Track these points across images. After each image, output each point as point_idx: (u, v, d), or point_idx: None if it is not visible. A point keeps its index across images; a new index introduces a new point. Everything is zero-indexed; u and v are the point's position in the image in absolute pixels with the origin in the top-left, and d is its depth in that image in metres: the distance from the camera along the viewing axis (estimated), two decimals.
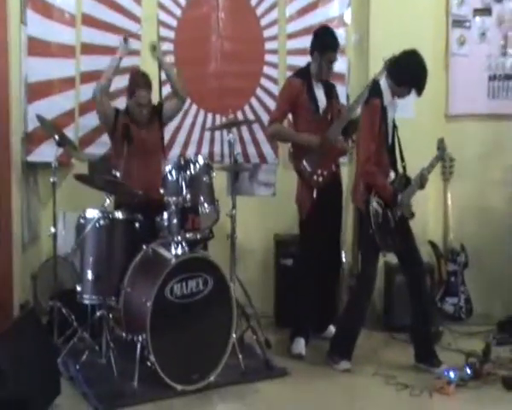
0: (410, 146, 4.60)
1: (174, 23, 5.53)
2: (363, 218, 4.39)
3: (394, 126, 4.48)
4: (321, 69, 4.80)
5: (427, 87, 5.29)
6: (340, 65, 5.22)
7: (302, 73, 4.89)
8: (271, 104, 5.52)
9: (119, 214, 4.32)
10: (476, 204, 5.61)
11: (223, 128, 5.25)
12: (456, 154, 5.38)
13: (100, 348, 4.17)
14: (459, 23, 5.65)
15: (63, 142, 4.52)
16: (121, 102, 4.97)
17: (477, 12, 5.64)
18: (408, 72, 4.34)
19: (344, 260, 5.25)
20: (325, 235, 4.82)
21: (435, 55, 5.54)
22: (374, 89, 4.43)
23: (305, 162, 4.77)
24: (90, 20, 5.33)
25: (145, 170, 4.66)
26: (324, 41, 4.78)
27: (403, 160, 4.47)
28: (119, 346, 4.16)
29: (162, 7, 5.50)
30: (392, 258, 4.80)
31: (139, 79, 4.76)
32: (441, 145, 4.53)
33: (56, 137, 4.47)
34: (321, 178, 4.74)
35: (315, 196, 4.74)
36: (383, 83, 4.40)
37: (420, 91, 4.37)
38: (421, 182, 4.41)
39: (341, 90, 5.39)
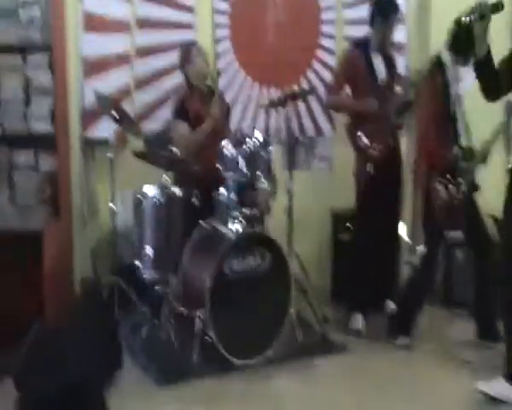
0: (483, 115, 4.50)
1: None
2: (428, 197, 4.42)
3: (459, 99, 4.47)
4: (383, 37, 4.82)
5: None
6: (398, 34, 5.18)
7: (360, 45, 4.91)
8: (328, 77, 5.59)
9: (176, 190, 4.47)
10: None
11: (280, 105, 5.30)
12: None
13: (159, 323, 4.32)
14: None
15: (121, 118, 4.61)
16: (178, 76, 5.14)
17: None
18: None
19: (403, 235, 5.29)
20: (383, 209, 4.86)
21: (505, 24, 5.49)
22: (436, 63, 4.43)
23: (360, 134, 4.81)
24: None
25: (211, 149, 4.66)
26: (385, 6, 4.80)
27: (468, 132, 4.46)
28: (179, 321, 4.30)
29: None
30: (453, 233, 4.85)
31: (186, 43, 5.05)
32: (509, 109, 4.48)
33: (114, 113, 4.57)
34: (377, 152, 4.79)
35: (370, 169, 4.79)
36: (445, 56, 4.39)
37: None
38: (484, 155, 4.42)
39: (400, 61, 5.42)
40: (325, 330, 4.62)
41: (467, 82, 4.68)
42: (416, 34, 5.67)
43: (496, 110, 4.83)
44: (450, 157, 4.33)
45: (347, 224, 5.27)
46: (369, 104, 4.81)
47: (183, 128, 4.83)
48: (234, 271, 4.13)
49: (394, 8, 4.81)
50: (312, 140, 5.76)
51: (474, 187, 4.45)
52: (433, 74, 4.41)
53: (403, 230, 5.27)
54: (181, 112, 4.86)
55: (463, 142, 4.45)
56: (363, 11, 5.24)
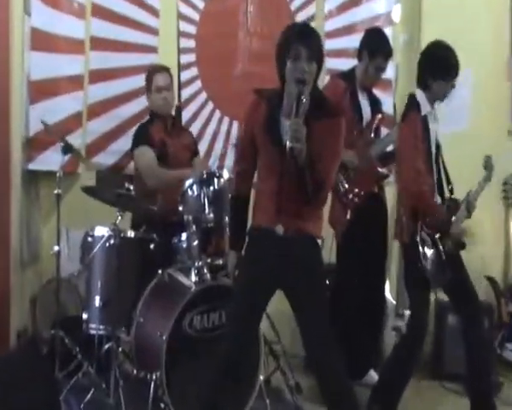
0: (465, 163, 4.69)
1: (196, 16, 5.65)
2: (409, 253, 4.40)
3: (437, 146, 4.53)
4: (367, 74, 4.88)
5: (485, 98, 5.39)
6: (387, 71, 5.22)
7: (347, 77, 4.94)
8: None
9: (131, 234, 4.45)
10: None
11: None
12: None
13: (107, 386, 4.24)
14: None
15: (69, 149, 4.59)
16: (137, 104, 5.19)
17: None
18: (438, 62, 4.29)
19: (388, 296, 5.32)
20: (366, 265, 4.88)
21: (496, 62, 5.69)
22: (410, 103, 4.47)
23: (341, 178, 4.84)
24: (101, 11, 5.46)
25: (174, 188, 4.61)
26: (377, 44, 4.86)
27: (449, 182, 4.49)
28: (129, 384, 4.25)
29: None
30: (444, 295, 4.87)
31: (155, 66, 5.02)
32: (488, 164, 4.57)
33: (62, 143, 4.54)
34: (357, 198, 4.83)
35: (348, 216, 4.82)
36: (418, 94, 4.44)
37: (455, 78, 4.31)
38: (468, 209, 4.45)
39: (388, 99, 5.52)
40: (298, 400, 4.57)
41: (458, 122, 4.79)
42: (405, 70, 5.75)
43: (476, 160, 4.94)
44: (435, 208, 4.35)
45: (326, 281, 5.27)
46: (347, 159, 4.76)
47: (149, 154, 4.75)
48: (195, 328, 4.09)
49: (386, 46, 4.88)
50: None
51: (460, 244, 4.47)
52: (407, 113, 4.42)
53: (388, 290, 5.29)
54: (146, 138, 4.79)
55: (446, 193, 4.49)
56: (348, 42, 5.32)
